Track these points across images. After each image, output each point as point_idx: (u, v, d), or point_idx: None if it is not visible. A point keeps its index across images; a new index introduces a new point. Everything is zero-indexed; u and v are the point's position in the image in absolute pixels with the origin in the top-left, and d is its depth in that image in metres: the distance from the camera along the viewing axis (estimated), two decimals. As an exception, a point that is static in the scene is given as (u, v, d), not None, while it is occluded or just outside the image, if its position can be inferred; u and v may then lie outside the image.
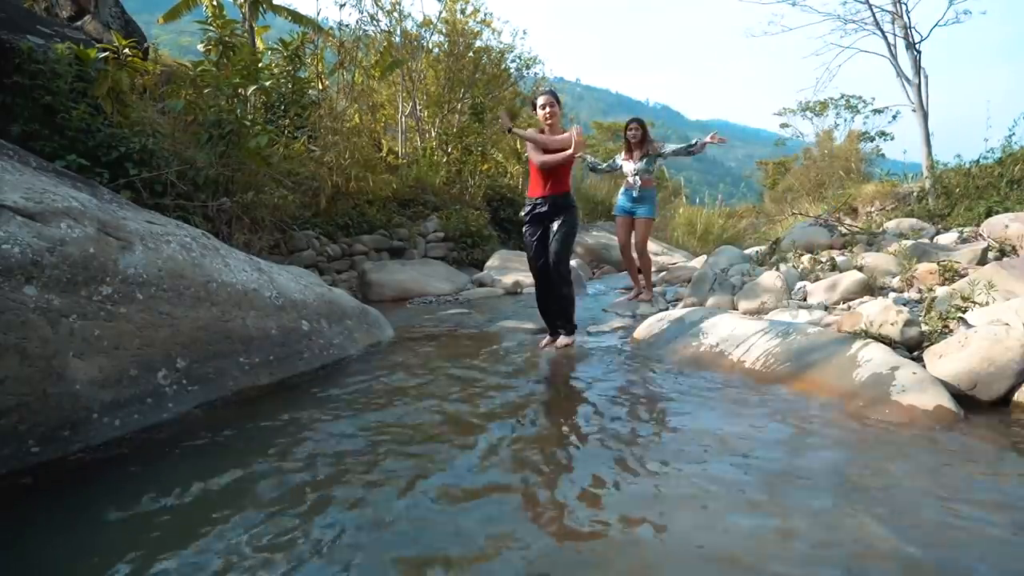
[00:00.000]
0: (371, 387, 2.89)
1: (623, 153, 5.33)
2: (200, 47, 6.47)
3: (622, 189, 5.39)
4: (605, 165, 5.54)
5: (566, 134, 3.54)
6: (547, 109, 3.53)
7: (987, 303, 3.01)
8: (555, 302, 3.66)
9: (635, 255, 5.33)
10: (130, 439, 2.10)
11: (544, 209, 3.62)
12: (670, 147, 5.20)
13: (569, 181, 3.72)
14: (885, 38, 9.33)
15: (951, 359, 2.49)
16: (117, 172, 4.61)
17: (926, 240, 5.65)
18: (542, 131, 3.60)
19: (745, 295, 4.46)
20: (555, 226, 3.61)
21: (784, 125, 19.85)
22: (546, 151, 3.56)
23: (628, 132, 5.18)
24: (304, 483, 1.82)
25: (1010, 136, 8.09)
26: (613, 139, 25.72)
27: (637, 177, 5.15)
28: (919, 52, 8.96)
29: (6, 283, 1.91)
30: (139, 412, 2.19)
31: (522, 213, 3.75)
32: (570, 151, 3.44)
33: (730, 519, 1.56)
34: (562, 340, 3.66)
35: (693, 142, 5.06)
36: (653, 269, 6.76)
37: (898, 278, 4.28)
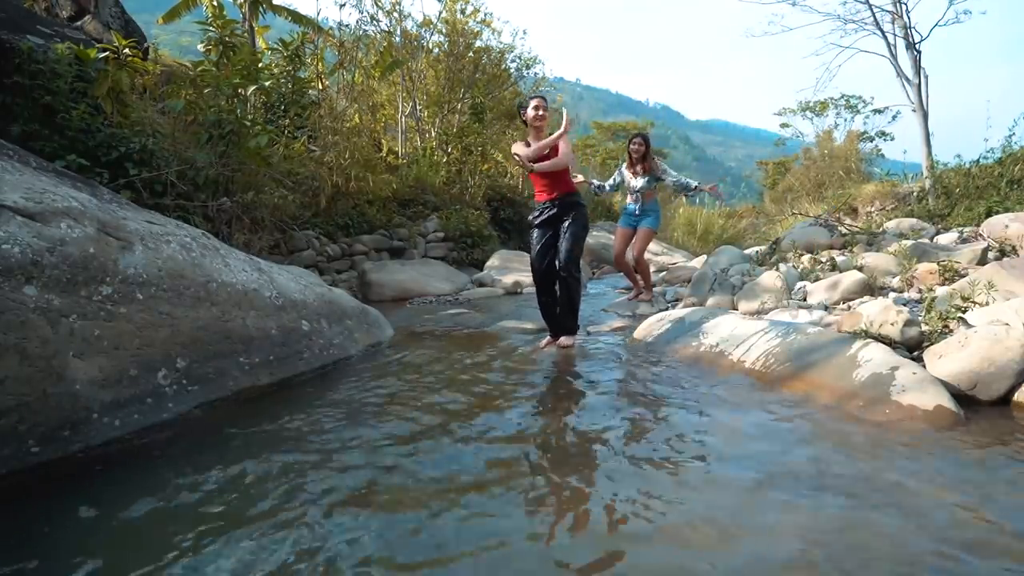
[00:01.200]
0: (371, 387, 2.89)
1: (625, 165, 5.39)
2: (200, 47, 6.48)
3: (628, 201, 5.43)
4: (608, 185, 5.58)
5: (554, 135, 3.56)
6: (539, 111, 3.56)
7: (987, 303, 3.01)
8: (563, 302, 3.61)
9: (631, 261, 5.37)
10: (130, 439, 2.10)
11: (554, 211, 3.61)
12: (671, 178, 5.29)
13: (571, 181, 3.71)
14: (885, 38, 9.35)
15: (951, 359, 2.49)
16: (117, 172, 4.62)
17: (926, 240, 5.65)
18: (527, 138, 3.62)
19: (745, 295, 4.46)
20: (565, 224, 3.57)
21: (784, 125, 19.82)
22: (540, 159, 3.55)
23: (632, 147, 5.25)
24: (304, 484, 1.82)
25: (1010, 136, 8.10)
26: (613, 139, 25.75)
27: (639, 194, 5.24)
28: (919, 52, 8.96)
29: (6, 283, 1.91)
30: (139, 412, 2.18)
31: (531, 217, 3.72)
32: (559, 133, 3.47)
33: (731, 520, 1.56)
34: (563, 340, 3.65)
35: (694, 185, 5.27)
36: (653, 269, 6.77)
37: (898, 278, 4.28)
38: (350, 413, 2.48)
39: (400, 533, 1.52)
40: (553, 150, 3.57)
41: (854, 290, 4.04)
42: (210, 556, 1.42)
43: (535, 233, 3.66)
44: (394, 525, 1.56)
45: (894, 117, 15.82)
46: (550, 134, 3.62)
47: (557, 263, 3.53)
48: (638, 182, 5.20)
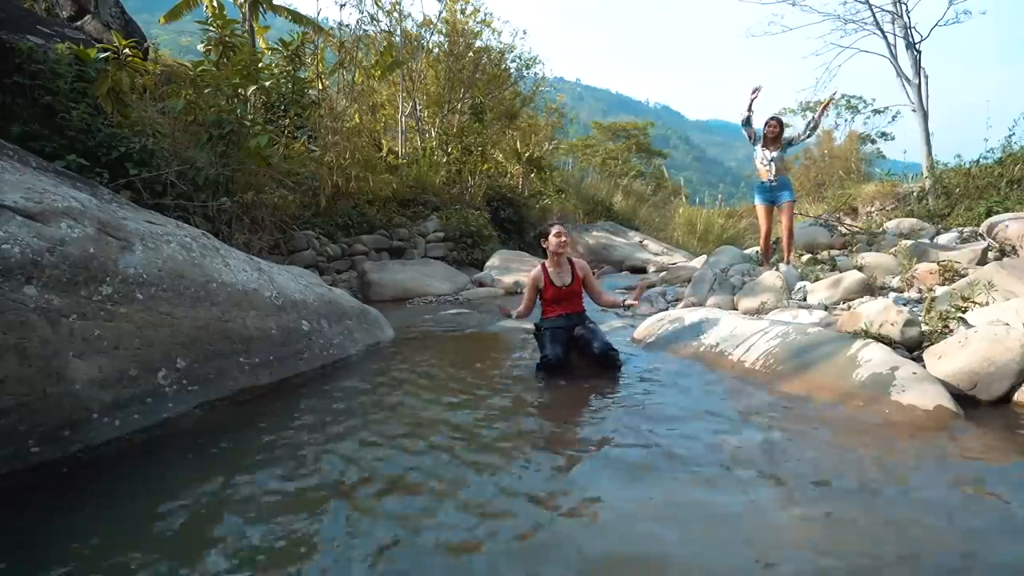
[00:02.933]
0: (371, 388, 2.89)
1: (759, 144, 5.54)
2: (200, 47, 6.49)
3: (760, 182, 5.55)
4: (752, 127, 5.66)
5: (579, 274, 3.48)
6: (561, 239, 3.41)
7: (987, 303, 3.01)
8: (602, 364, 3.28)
9: (783, 236, 5.50)
10: (130, 439, 2.10)
11: (565, 322, 3.40)
12: (803, 134, 5.63)
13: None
14: (885, 38, 9.35)
15: (951, 359, 2.49)
16: (117, 172, 4.62)
17: (926, 240, 5.65)
18: (554, 257, 3.48)
19: (745, 295, 4.46)
20: (585, 329, 3.33)
21: (785, 125, 19.79)
22: (562, 290, 3.43)
23: (766, 130, 5.45)
24: (303, 484, 1.82)
25: (1010, 136, 8.11)
26: (613, 139, 25.73)
27: (772, 164, 5.38)
28: (919, 52, 8.97)
29: (6, 283, 1.91)
30: (139, 412, 2.18)
31: (536, 324, 3.50)
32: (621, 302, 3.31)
33: (732, 518, 1.56)
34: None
35: (819, 116, 5.68)
36: (652, 270, 6.77)
37: (898, 278, 4.28)
38: (349, 414, 2.48)
39: (400, 533, 1.52)
40: (576, 281, 3.45)
41: (854, 290, 4.04)
42: (209, 555, 1.42)
43: (547, 334, 3.34)
44: (392, 527, 1.56)
45: (894, 117, 15.84)
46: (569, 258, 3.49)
47: (595, 347, 3.19)
48: (773, 153, 5.41)
